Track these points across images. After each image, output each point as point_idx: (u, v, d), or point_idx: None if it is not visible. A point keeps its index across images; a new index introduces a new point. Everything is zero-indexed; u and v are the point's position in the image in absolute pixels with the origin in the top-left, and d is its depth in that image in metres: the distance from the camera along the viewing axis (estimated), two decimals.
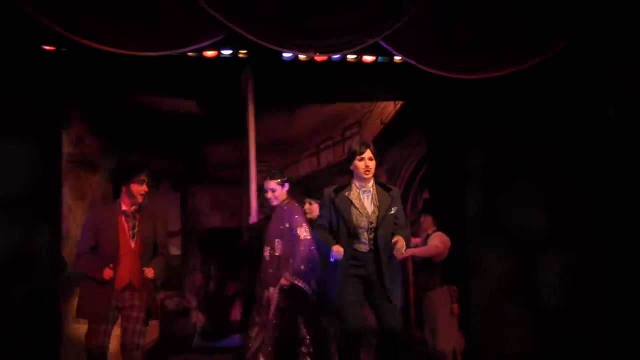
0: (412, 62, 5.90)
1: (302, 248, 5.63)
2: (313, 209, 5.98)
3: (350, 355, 4.94)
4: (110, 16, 5.41)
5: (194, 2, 5.39)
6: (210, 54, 6.18)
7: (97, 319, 5.19)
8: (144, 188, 5.32)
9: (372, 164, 4.95)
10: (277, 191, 5.74)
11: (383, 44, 5.80)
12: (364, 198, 4.98)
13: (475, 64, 5.93)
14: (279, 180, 5.73)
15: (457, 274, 6.62)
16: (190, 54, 6.07)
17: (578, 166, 6.79)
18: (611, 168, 6.69)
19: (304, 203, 6.03)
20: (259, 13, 5.57)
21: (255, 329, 5.70)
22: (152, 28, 5.49)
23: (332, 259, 4.87)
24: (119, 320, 5.24)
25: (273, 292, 5.64)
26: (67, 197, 6.63)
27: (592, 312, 6.65)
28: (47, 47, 5.90)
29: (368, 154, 4.95)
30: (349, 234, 4.92)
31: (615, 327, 6.69)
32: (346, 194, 4.98)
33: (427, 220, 6.42)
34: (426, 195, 7.56)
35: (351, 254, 4.92)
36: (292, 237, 5.70)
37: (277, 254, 5.69)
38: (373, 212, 4.96)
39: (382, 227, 4.92)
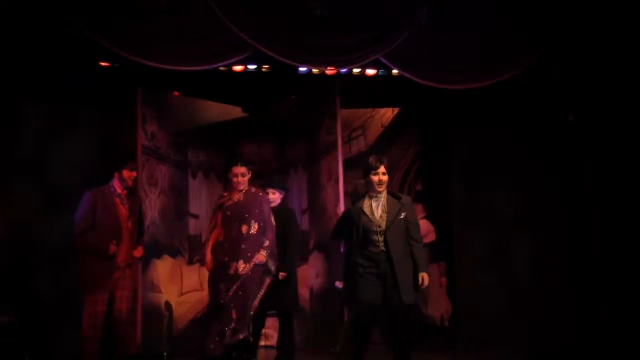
0: (408, 75, 6.39)
1: (273, 234, 5.99)
2: (275, 197, 6.27)
3: (357, 343, 5.27)
4: (155, 37, 5.95)
5: (226, 26, 5.83)
6: (238, 68, 6.69)
7: (99, 290, 5.54)
8: (133, 174, 5.82)
9: (385, 178, 5.26)
10: (246, 177, 5.95)
11: (383, 60, 6.28)
12: (375, 206, 5.29)
13: (460, 77, 6.42)
14: (249, 166, 5.98)
15: (445, 252, 7.22)
16: (221, 68, 6.58)
17: (544, 161, 7.29)
18: (571, 162, 7.16)
19: (267, 192, 6.21)
20: (282, 35, 6.05)
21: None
22: (191, 47, 6.01)
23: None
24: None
25: (243, 265, 5.90)
26: (144, 183, 6.97)
27: (555, 279, 7.18)
28: (103, 63, 6.54)
29: (382, 169, 5.26)
30: (363, 238, 5.24)
31: (575, 289, 7.16)
32: (359, 204, 5.35)
33: (418, 208, 6.88)
34: (419, 187, 7.88)
35: (366, 256, 5.23)
36: (263, 222, 5.99)
37: (252, 232, 5.93)
38: (381, 217, 5.26)
39: (392, 229, 5.22)
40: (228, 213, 6.01)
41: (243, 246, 5.92)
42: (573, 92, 6.91)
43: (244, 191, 6.00)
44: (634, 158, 6.69)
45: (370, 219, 5.28)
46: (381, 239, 5.26)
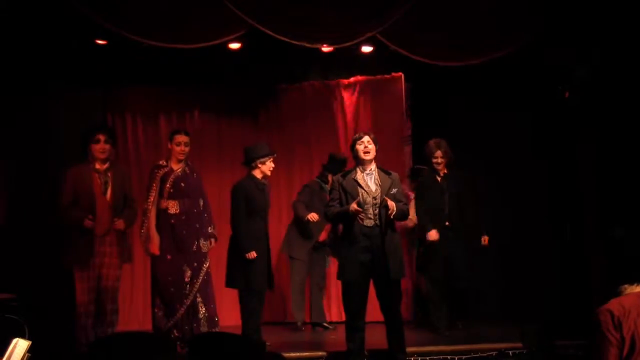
0: (405, 52, 6.31)
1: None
2: None
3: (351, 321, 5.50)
4: (151, 16, 5.91)
5: (220, 3, 5.76)
6: (234, 46, 6.65)
7: (82, 264, 5.71)
8: (101, 146, 5.85)
9: (371, 147, 5.48)
10: (189, 147, 6.13)
11: (380, 37, 6.20)
12: (368, 179, 5.43)
13: (456, 53, 6.34)
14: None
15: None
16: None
17: (529, 138, 7.49)
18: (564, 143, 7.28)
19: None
20: (276, 11, 5.99)
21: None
22: (185, 26, 5.98)
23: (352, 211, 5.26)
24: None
25: (204, 243, 6.14)
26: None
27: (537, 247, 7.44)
28: (100, 41, 6.46)
29: (366, 139, 5.49)
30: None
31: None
32: (352, 176, 5.47)
33: (411, 184, 7.27)
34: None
35: (359, 229, 5.37)
36: (205, 199, 6.24)
37: (201, 209, 6.21)
38: (376, 190, 5.40)
39: (384, 207, 5.36)
40: (182, 185, 6.02)
41: (200, 222, 6.07)
42: (567, 72, 6.90)
43: (184, 162, 6.06)
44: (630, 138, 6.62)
45: (366, 191, 5.36)
46: (376, 212, 5.36)
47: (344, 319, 5.85)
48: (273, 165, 6.18)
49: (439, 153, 6.70)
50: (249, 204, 6.03)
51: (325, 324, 7.33)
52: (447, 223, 6.70)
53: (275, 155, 6.24)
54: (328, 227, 7.17)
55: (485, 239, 6.78)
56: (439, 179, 6.79)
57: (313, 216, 6.94)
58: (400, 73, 7.97)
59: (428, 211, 6.71)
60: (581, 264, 6.99)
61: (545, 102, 7.27)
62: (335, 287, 7.53)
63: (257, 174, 6.11)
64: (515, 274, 7.45)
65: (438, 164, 6.73)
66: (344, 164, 7.04)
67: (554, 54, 6.62)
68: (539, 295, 7.22)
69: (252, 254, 5.94)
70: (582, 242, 7.03)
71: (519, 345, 5.80)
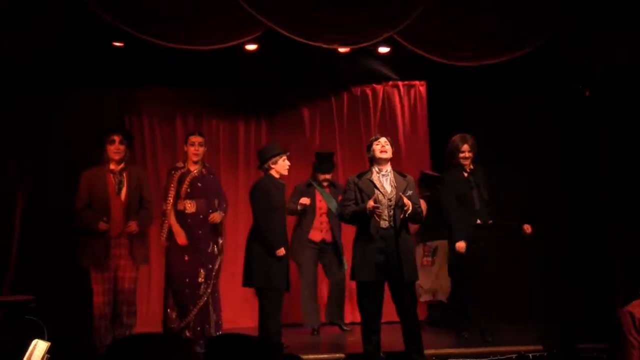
0: (420, 52, 6.26)
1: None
2: None
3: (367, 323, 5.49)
4: (167, 18, 5.90)
5: (237, 4, 5.74)
6: (251, 47, 6.66)
7: (99, 266, 5.72)
8: (116, 147, 5.87)
9: (388, 147, 5.49)
10: (203, 147, 6.15)
11: (397, 37, 6.16)
12: (384, 180, 5.43)
13: (472, 54, 6.32)
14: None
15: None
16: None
17: (548, 138, 7.47)
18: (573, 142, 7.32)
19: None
20: (293, 12, 5.97)
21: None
22: (202, 27, 5.94)
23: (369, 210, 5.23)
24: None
25: (216, 244, 6.18)
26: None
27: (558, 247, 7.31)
28: (116, 43, 6.51)
29: (384, 140, 5.52)
30: (372, 212, 5.29)
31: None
32: (368, 177, 5.46)
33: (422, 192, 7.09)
34: None
35: (374, 230, 5.34)
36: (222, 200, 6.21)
37: (216, 209, 6.20)
38: (391, 192, 5.40)
39: (399, 206, 5.36)
40: (199, 185, 6.03)
41: (214, 223, 6.08)
42: (587, 71, 6.79)
43: (201, 163, 6.08)
44: None
45: (381, 192, 5.35)
46: (390, 214, 5.35)
47: (359, 320, 5.80)
48: (288, 164, 6.12)
49: (465, 147, 6.47)
50: (269, 202, 5.99)
51: (342, 326, 7.20)
52: (478, 221, 6.44)
53: (287, 153, 6.17)
54: (326, 226, 6.99)
55: (527, 227, 6.48)
56: (465, 174, 6.53)
57: (305, 200, 6.80)
58: (424, 81, 8.01)
59: (457, 211, 6.43)
60: (603, 265, 6.91)
61: (564, 101, 7.22)
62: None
63: (274, 173, 6.09)
64: (535, 275, 7.38)
65: (465, 158, 6.48)
66: (330, 158, 7.10)
67: (572, 53, 6.49)
68: (560, 296, 7.15)
69: (282, 251, 5.91)
70: (605, 242, 6.94)
71: (540, 347, 5.73)
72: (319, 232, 7.00)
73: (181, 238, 6.02)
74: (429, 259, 7.17)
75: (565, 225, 7.46)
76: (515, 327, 6.80)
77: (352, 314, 7.56)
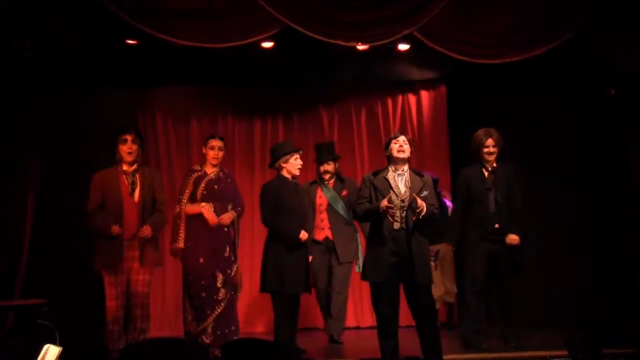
0: (442, 50, 6.18)
1: None
2: None
3: (384, 329, 5.34)
4: (182, 16, 5.89)
5: (253, 1, 5.71)
6: (267, 45, 6.57)
7: (112, 269, 5.64)
8: (128, 146, 5.80)
9: (406, 147, 5.36)
10: (223, 151, 6.13)
11: (416, 34, 6.10)
12: (399, 180, 5.32)
13: (493, 51, 6.24)
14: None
15: None
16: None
17: (570, 137, 7.34)
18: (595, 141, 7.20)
19: None
20: (311, 9, 5.92)
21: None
22: (219, 25, 5.93)
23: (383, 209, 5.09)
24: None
25: (230, 250, 6.07)
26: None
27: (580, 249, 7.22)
28: (130, 41, 6.44)
29: (402, 138, 5.39)
30: (385, 212, 5.18)
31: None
32: (384, 176, 5.36)
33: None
34: None
35: (386, 230, 5.23)
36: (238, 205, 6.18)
37: None
38: (405, 192, 5.28)
39: (412, 208, 5.23)
40: (215, 187, 5.99)
41: (229, 227, 6.04)
42: (611, 69, 6.64)
43: (218, 167, 6.04)
44: None
45: (395, 192, 5.26)
46: (403, 215, 5.24)
47: (363, 324, 5.69)
48: (300, 163, 5.97)
49: (490, 142, 6.12)
50: (278, 203, 5.84)
51: (335, 337, 6.71)
52: (496, 225, 6.10)
53: (300, 151, 6.01)
54: (326, 223, 6.74)
55: (513, 239, 6.05)
56: (486, 173, 6.19)
57: (304, 235, 6.15)
58: (444, 85, 7.94)
59: (461, 213, 6.21)
60: (628, 266, 6.76)
61: (589, 100, 7.12)
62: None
63: (285, 173, 5.94)
64: (558, 277, 7.21)
65: (490, 153, 6.13)
66: (330, 147, 6.83)
67: (594, 51, 6.44)
68: (585, 299, 7.01)
69: (304, 234, 5.81)
70: (628, 243, 6.80)
71: (564, 353, 5.56)
72: (320, 230, 6.75)
73: (211, 216, 5.97)
74: (432, 263, 6.95)
75: (588, 225, 7.31)
76: (539, 332, 6.65)
77: (355, 319, 7.49)
